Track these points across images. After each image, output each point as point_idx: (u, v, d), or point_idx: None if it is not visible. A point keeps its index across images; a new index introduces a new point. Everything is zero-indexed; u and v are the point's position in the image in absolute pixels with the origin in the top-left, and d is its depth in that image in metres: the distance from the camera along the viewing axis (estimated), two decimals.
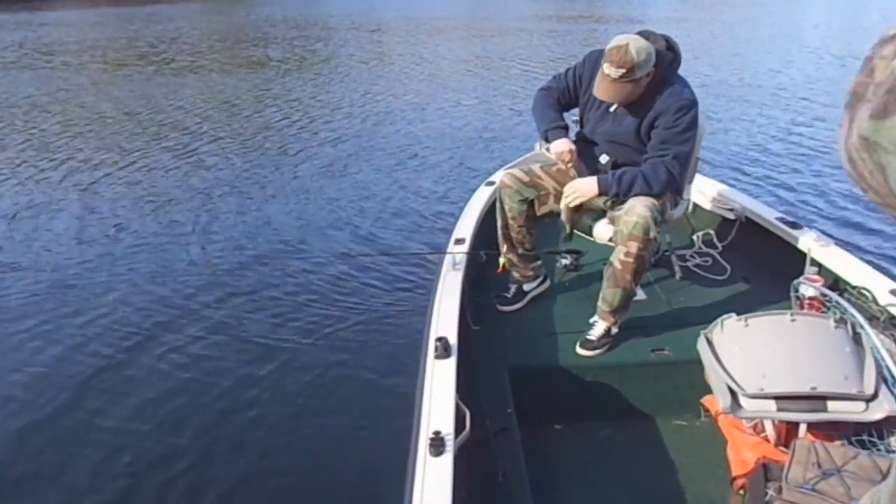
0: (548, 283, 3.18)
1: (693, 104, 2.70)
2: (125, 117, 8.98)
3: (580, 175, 2.86)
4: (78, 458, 2.91)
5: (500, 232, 2.97)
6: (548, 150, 2.99)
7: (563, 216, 2.87)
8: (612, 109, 2.81)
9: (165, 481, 2.79)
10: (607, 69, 2.60)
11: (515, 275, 3.05)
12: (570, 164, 2.83)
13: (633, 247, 2.60)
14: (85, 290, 4.33)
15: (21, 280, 4.47)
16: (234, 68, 13.02)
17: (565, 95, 2.94)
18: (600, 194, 2.78)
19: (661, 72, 2.70)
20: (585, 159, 2.92)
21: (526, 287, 3.08)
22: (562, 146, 2.82)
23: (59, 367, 3.54)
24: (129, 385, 3.39)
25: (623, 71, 2.57)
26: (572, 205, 2.79)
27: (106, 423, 3.12)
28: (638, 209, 2.61)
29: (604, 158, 2.86)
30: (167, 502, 2.71)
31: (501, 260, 2.99)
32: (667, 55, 2.73)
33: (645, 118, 2.72)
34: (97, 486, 2.77)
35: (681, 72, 2.80)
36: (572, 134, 3.00)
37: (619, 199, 2.79)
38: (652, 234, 2.61)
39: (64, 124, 8.63)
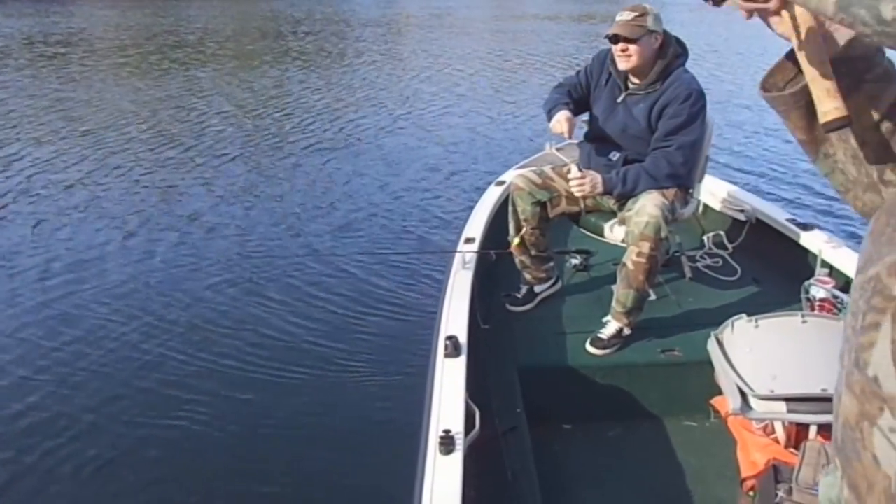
0: (559, 284, 3.17)
1: (701, 95, 2.76)
2: (138, 110, 9.00)
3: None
4: (82, 459, 2.92)
5: (521, 236, 2.97)
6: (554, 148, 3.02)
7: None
8: (619, 101, 2.85)
9: (170, 476, 2.81)
10: (620, 15, 2.75)
11: (527, 276, 3.05)
12: (566, 134, 2.82)
13: (645, 247, 2.61)
14: (98, 287, 4.36)
15: (30, 280, 4.51)
16: (248, 63, 13.04)
17: (577, 91, 2.97)
18: (605, 193, 2.79)
19: (669, 60, 2.77)
20: (596, 157, 2.93)
21: (537, 289, 3.08)
22: (557, 117, 2.82)
23: (66, 363, 3.57)
24: (132, 381, 3.42)
25: (636, 14, 2.71)
26: (577, 195, 2.81)
27: (110, 422, 3.15)
28: (648, 209, 2.61)
29: (614, 155, 2.87)
30: (173, 498, 2.73)
31: (516, 240, 2.94)
32: (676, 48, 2.80)
33: (655, 105, 2.75)
34: (108, 489, 2.79)
35: (693, 71, 2.84)
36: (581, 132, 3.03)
37: (626, 197, 2.80)
38: (663, 234, 2.61)
39: (74, 117, 8.66)
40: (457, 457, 1.79)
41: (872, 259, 0.62)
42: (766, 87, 0.80)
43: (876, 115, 0.74)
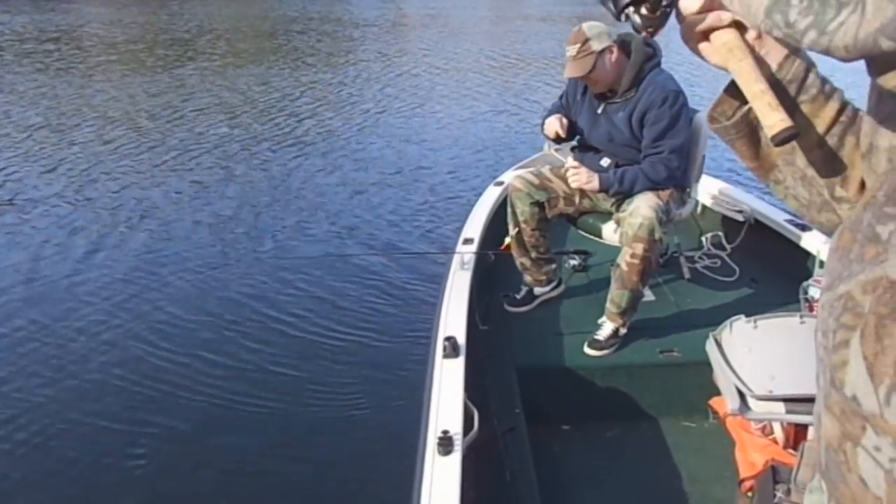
0: (562, 287, 3.17)
1: (677, 94, 2.75)
2: (129, 107, 8.97)
3: None
4: (83, 462, 2.91)
5: (512, 236, 2.98)
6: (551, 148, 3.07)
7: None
8: (599, 111, 2.88)
9: (169, 478, 2.80)
10: (567, 51, 2.75)
11: (528, 278, 3.06)
12: (561, 131, 2.89)
13: (639, 248, 2.62)
14: (98, 287, 4.36)
15: (31, 279, 4.50)
16: (244, 62, 13.01)
17: (561, 112, 3.04)
18: (601, 190, 2.81)
19: (640, 65, 2.77)
20: (588, 166, 2.94)
21: (537, 291, 3.09)
22: (549, 120, 2.93)
23: (71, 361, 3.57)
24: (131, 382, 3.41)
25: (578, 45, 2.71)
26: (573, 185, 2.83)
27: (109, 421, 3.14)
28: (642, 210, 2.62)
29: (605, 161, 2.89)
30: (169, 498, 2.72)
31: (507, 240, 3.07)
32: (645, 50, 2.79)
33: (634, 113, 2.77)
34: (110, 490, 2.78)
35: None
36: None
37: (622, 197, 2.81)
38: (657, 236, 2.62)
39: (63, 113, 8.63)
40: (455, 457, 1.79)
41: (842, 276, 0.61)
42: (713, 118, 0.81)
43: (817, 134, 0.75)
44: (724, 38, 0.74)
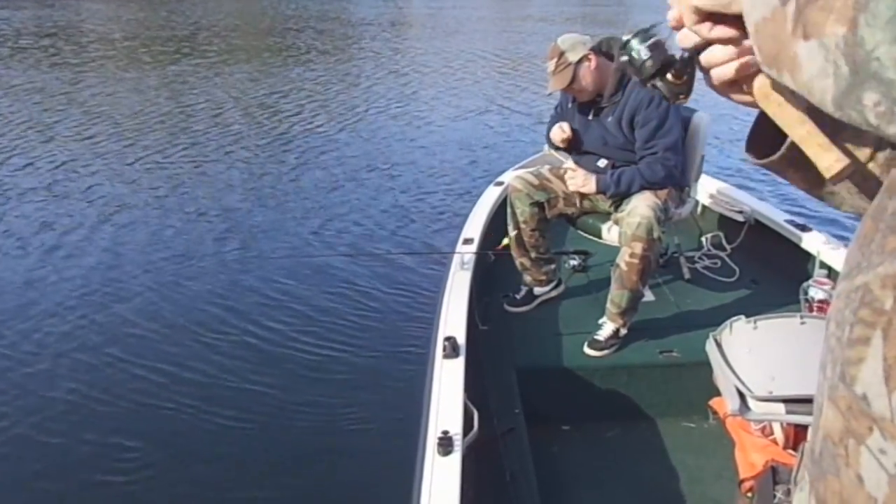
0: (561, 287, 3.18)
1: None
2: (126, 104, 8.96)
3: None
4: (78, 464, 2.90)
5: (512, 237, 2.98)
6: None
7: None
8: (590, 118, 2.91)
9: (169, 482, 2.80)
10: (548, 67, 2.81)
11: (527, 278, 3.07)
12: (568, 132, 2.93)
13: (638, 248, 2.62)
14: (96, 287, 4.35)
15: (29, 276, 4.50)
16: (246, 59, 13.01)
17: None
18: (598, 192, 2.82)
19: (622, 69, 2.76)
20: (584, 167, 2.96)
21: (537, 291, 3.09)
22: (554, 128, 2.96)
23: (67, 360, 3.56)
24: (130, 383, 3.41)
25: (555, 60, 2.77)
26: (571, 188, 2.86)
27: (105, 424, 3.14)
28: (640, 209, 2.63)
29: (601, 163, 2.90)
30: (162, 499, 2.72)
31: (505, 240, 3.10)
32: None
33: (623, 115, 2.79)
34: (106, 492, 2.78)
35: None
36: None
37: (620, 198, 2.81)
38: (655, 235, 2.62)
39: (58, 109, 8.61)
40: (455, 457, 1.79)
41: (860, 266, 0.59)
42: (752, 150, 0.78)
43: (863, 157, 0.72)
44: (758, 84, 0.69)
